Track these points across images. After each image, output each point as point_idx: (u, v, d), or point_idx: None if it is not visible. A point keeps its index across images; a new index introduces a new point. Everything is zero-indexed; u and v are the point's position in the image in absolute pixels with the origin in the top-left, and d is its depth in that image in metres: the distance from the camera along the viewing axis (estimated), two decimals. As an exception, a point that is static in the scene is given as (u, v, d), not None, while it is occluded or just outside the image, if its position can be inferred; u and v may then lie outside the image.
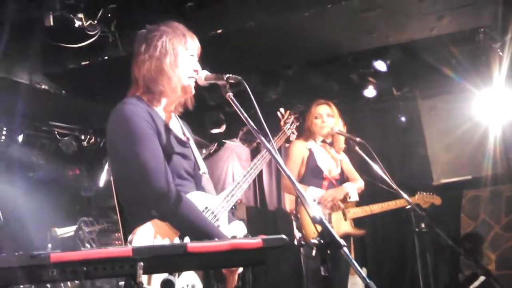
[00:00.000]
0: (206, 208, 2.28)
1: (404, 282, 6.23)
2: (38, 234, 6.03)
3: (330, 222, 4.04)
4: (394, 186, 3.70)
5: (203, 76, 2.31)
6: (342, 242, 1.62)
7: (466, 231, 6.39)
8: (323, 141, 4.38)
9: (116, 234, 6.42)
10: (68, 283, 5.27)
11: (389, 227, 6.42)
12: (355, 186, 4.31)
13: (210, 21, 4.26)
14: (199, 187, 2.38)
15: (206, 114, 6.46)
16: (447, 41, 5.00)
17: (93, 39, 4.21)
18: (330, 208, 4.08)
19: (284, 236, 1.56)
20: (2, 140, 6.08)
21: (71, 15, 3.99)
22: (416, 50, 5.22)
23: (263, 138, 1.97)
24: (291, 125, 3.44)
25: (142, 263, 1.48)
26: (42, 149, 6.70)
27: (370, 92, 6.04)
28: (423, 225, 3.80)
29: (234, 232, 2.41)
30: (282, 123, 3.46)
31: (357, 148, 4.02)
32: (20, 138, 6.20)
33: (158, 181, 2.08)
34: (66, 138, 6.61)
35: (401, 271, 6.30)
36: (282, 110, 3.51)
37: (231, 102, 2.10)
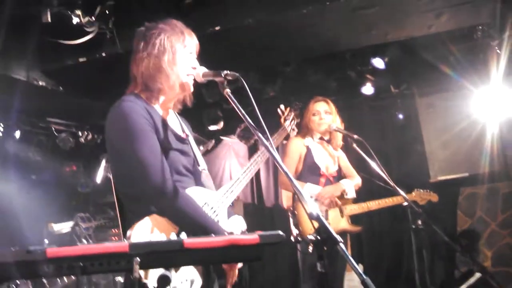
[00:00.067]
0: (206, 203, 2.29)
1: (400, 279, 6.25)
2: (34, 230, 6.03)
3: (327, 218, 4.05)
4: (391, 183, 3.71)
5: (201, 72, 2.32)
6: (339, 238, 1.63)
7: (462, 228, 6.40)
8: (321, 138, 4.38)
9: (113, 230, 6.43)
10: (65, 278, 5.27)
11: (386, 224, 6.43)
12: (352, 183, 4.32)
13: (209, 18, 4.26)
14: (199, 183, 2.38)
15: (204, 111, 6.46)
16: (445, 38, 5.01)
17: (90, 36, 4.20)
18: (327, 204, 4.08)
19: (280, 232, 1.57)
20: (-1, 136, 6.08)
21: (69, 12, 3.98)
22: (414, 47, 5.23)
23: (260, 135, 1.97)
24: (291, 121, 3.44)
25: (138, 259, 1.48)
26: (39, 145, 6.69)
27: (368, 89, 6.04)
28: (419, 222, 3.82)
29: (234, 227, 2.42)
30: (282, 119, 3.46)
31: (354, 145, 4.03)
32: (17, 134, 6.19)
33: (156, 177, 2.09)
34: (63, 134, 6.60)
35: (398, 267, 6.31)
36: (282, 106, 3.51)
37: (228, 99, 2.10)
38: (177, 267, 1.97)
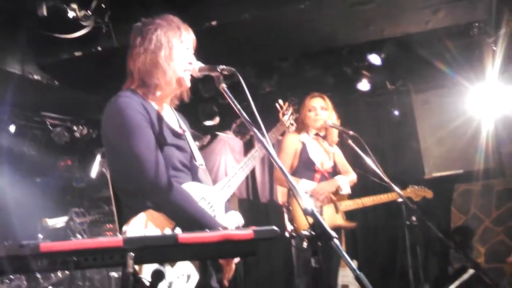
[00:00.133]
0: (203, 198, 2.29)
1: (394, 275, 6.27)
2: (29, 225, 6.02)
3: (321, 214, 4.06)
4: (386, 180, 3.72)
5: (196, 67, 2.31)
6: (333, 234, 1.63)
7: (456, 224, 6.42)
8: (316, 134, 4.38)
9: (108, 225, 6.42)
10: (59, 273, 5.27)
11: (380, 220, 6.45)
12: (347, 179, 4.32)
13: (205, 13, 4.24)
14: (196, 178, 2.38)
15: (200, 106, 6.45)
16: (441, 35, 5.01)
17: (86, 30, 4.18)
18: (322, 200, 4.08)
19: (275, 228, 1.56)
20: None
21: (65, 6, 3.96)
22: (411, 44, 5.23)
23: (256, 131, 1.97)
24: (289, 116, 3.44)
25: (132, 254, 1.47)
26: (34, 139, 6.67)
27: (364, 85, 6.04)
28: (414, 218, 3.83)
29: (231, 222, 2.42)
30: (280, 114, 3.45)
31: (350, 141, 4.03)
32: (12, 128, 6.17)
33: (152, 172, 2.09)
34: (58, 128, 6.58)
35: (392, 263, 6.33)
36: (280, 101, 3.51)
37: (224, 94, 2.10)
38: (171, 262, 1.97)
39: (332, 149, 4.43)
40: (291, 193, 3.96)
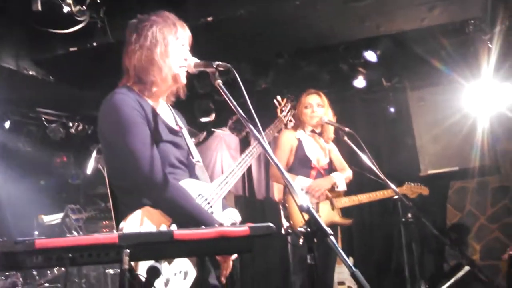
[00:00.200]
0: (200, 195, 2.29)
1: (390, 272, 6.29)
2: (24, 221, 6.00)
3: (317, 211, 4.06)
4: (382, 177, 3.72)
5: (192, 63, 2.31)
6: (329, 231, 1.63)
7: (452, 221, 6.45)
8: (312, 131, 4.38)
9: (104, 222, 6.41)
10: (55, 270, 5.26)
11: (376, 217, 6.46)
12: (343, 175, 4.32)
13: (201, 8, 4.23)
14: (193, 175, 2.39)
15: (196, 102, 6.43)
16: (437, 32, 5.02)
17: (81, 25, 4.16)
18: (318, 197, 4.08)
19: (271, 224, 1.57)
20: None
21: (60, 0, 3.93)
22: (406, 41, 5.23)
23: (252, 127, 1.96)
24: (287, 113, 3.43)
25: (128, 250, 1.47)
26: (29, 135, 6.64)
27: (360, 82, 6.04)
28: (409, 215, 3.83)
29: (228, 219, 2.42)
30: (278, 111, 3.45)
31: (346, 138, 4.03)
32: (7, 124, 6.14)
33: (148, 168, 2.09)
34: (54, 125, 6.55)
35: (388, 260, 6.35)
36: (279, 98, 3.50)
37: (220, 90, 2.09)
38: (167, 258, 1.97)
39: (328, 146, 4.43)
40: (287, 190, 3.96)
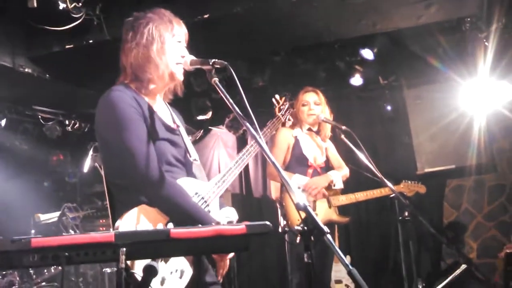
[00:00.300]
0: (196, 193, 2.28)
1: (387, 270, 6.30)
2: (21, 220, 5.99)
3: (314, 209, 4.06)
4: (379, 175, 3.72)
5: (188, 60, 2.30)
6: (326, 229, 1.62)
7: (448, 220, 6.46)
8: (309, 129, 4.38)
9: (101, 220, 6.40)
10: (52, 269, 5.25)
11: (373, 215, 6.46)
12: (340, 173, 4.32)
13: (197, 6, 4.22)
14: (190, 174, 2.38)
15: (192, 100, 6.42)
16: (433, 30, 5.02)
17: (77, 22, 4.14)
18: (315, 195, 4.08)
19: (267, 223, 1.56)
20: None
21: (55, -3, 3.93)
22: (403, 39, 5.23)
23: (249, 125, 1.96)
24: (285, 111, 3.42)
25: (124, 249, 1.47)
26: (25, 133, 6.63)
27: (356, 80, 6.03)
28: (406, 214, 3.83)
29: (225, 218, 2.41)
30: (277, 109, 3.44)
31: (342, 136, 4.03)
32: (3, 122, 6.12)
33: (145, 166, 2.08)
34: (50, 122, 6.53)
35: (385, 259, 6.36)
36: (277, 96, 3.49)
37: (216, 87, 2.09)
38: (163, 257, 1.96)
39: (325, 144, 4.43)
40: (284, 188, 3.96)
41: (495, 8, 4.45)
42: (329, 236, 1.61)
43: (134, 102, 2.18)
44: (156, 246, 1.52)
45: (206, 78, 2.16)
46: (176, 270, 2.05)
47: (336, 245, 1.64)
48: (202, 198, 2.29)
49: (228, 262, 2.30)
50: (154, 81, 2.30)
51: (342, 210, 4.27)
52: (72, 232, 5.79)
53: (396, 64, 6.02)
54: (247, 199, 7.27)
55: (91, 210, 6.53)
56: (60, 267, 1.49)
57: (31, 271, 5.18)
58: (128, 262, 1.83)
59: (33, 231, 5.77)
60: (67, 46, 4.60)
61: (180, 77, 2.36)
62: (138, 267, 1.86)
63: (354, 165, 4.45)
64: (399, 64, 5.99)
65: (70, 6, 3.98)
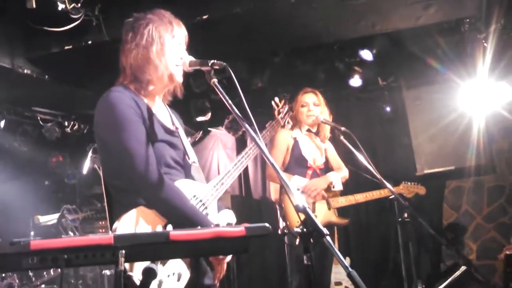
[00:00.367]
0: (194, 196, 2.27)
1: (387, 272, 6.29)
2: (20, 222, 5.99)
3: (313, 211, 4.05)
4: (378, 176, 3.72)
5: (187, 61, 2.30)
6: (325, 231, 1.62)
7: (448, 221, 6.46)
8: (309, 130, 4.38)
9: (100, 222, 6.40)
10: (51, 271, 5.24)
11: (373, 216, 6.46)
12: (339, 175, 4.32)
13: (196, 7, 4.22)
14: (189, 176, 2.37)
15: (191, 101, 6.42)
16: (432, 31, 5.02)
17: (76, 23, 4.14)
18: (314, 197, 4.08)
19: (267, 225, 1.56)
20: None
21: (54, -2, 3.92)
22: (402, 39, 5.23)
23: (248, 127, 1.95)
24: (285, 114, 3.42)
25: (124, 251, 1.46)
26: (24, 135, 6.61)
27: (355, 81, 6.03)
28: (406, 215, 3.83)
29: (223, 221, 2.40)
30: (276, 112, 3.43)
31: (342, 137, 4.03)
32: (2, 123, 6.10)
33: (143, 167, 2.08)
34: (49, 124, 6.52)
35: (384, 260, 6.35)
36: (276, 99, 3.49)
37: (215, 88, 2.08)
38: (162, 259, 1.96)
39: (324, 145, 4.43)
40: (283, 189, 3.95)
41: (494, 9, 4.45)
42: (328, 238, 1.61)
43: (133, 103, 2.18)
44: (156, 248, 1.52)
45: (205, 79, 2.16)
46: (174, 273, 2.05)
47: (335, 247, 1.64)
48: (200, 200, 2.29)
49: (225, 266, 2.29)
50: (153, 83, 2.30)
51: (342, 211, 4.26)
52: (72, 234, 5.79)
53: (395, 65, 6.02)
54: (247, 200, 7.27)
55: (91, 212, 6.52)
56: (59, 269, 1.49)
57: (30, 274, 5.17)
58: (127, 264, 1.82)
59: (32, 233, 5.77)
60: (66, 47, 4.59)
61: (180, 79, 2.36)
62: (137, 270, 1.86)
63: (354, 166, 4.45)
64: (398, 65, 5.99)
65: (69, 7, 3.97)
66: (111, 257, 1.48)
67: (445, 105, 5.94)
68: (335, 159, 4.49)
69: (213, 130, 7.47)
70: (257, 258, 6.82)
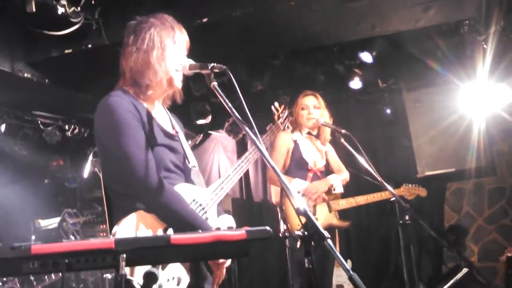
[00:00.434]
0: (194, 200, 2.27)
1: (388, 274, 6.28)
2: (21, 226, 5.98)
3: (314, 214, 4.05)
4: (379, 178, 3.71)
5: (187, 65, 2.30)
6: (326, 234, 1.61)
7: (449, 223, 6.46)
8: (309, 133, 4.37)
9: (101, 226, 6.39)
10: (52, 275, 5.24)
11: (374, 219, 6.45)
12: (339, 177, 4.31)
13: (196, 10, 4.22)
14: (189, 180, 2.36)
15: (192, 104, 6.42)
16: (432, 33, 5.02)
17: (76, 26, 4.14)
18: (315, 200, 4.07)
19: (268, 228, 1.55)
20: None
21: (54, 2, 3.92)
22: (402, 41, 5.23)
23: (248, 129, 1.95)
24: (285, 119, 3.42)
25: (124, 255, 1.46)
26: (25, 139, 6.61)
27: (355, 83, 6.03)
28: (407, 217, 3.82)
29: (223, 226, 2.39)
30: (276, 117, 3.43)
31: (342, 140, 4.02)
32: (3, 127, 6.11)
33: (143, 172, 2.07)
34: (50, 128, 6.52)
35: (386, 263, 6.34)
36: (276, 104, 3.49)
37: (215, 92, 2.08)
38: (163, 263, 1.95)
39: (324, 147, 4.42)
40: (284, 192, 3.94)
41: (494, 11, 4.45)
42: (329, 241, 1.61)
43: (132, 108, 2.17)
44: (156, 252, 1.52)
45: (205, 82, 2.16)
46: (173, 277, 2.04)
47: (336, 250, 1.63)
48: (200, 205, 2.28)
49: (224, 270, 2.28)
50: (152, 87, 2.29)
51: (343, 214, 4.26)
52: (73, 238, 5.78)
53: (395, 67, 6.02)
54: (248, 203, 7.27)
55: (91, 216, 6.52)
56: (60, 274, 1.49)
57: (31, 278, 5.16)
58: (128, 269, 1.82)
59: (33, 237, 5.76)
60: (66, 51, 4.59)
61: (179, 84, 2.35)
62: (137, 274, 1.85)
63: (354, 169, 4.45)
64: (398, 67, 5.99)
65: (69, 11, 3.97)
66: (112, 261, 1.47)
67: (445, 107, 5.94)
68: (336, 161, 4.49)
69: (213, 133, 7.47)
70: (258, 261, 6.81)
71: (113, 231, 2.00)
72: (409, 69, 5.95)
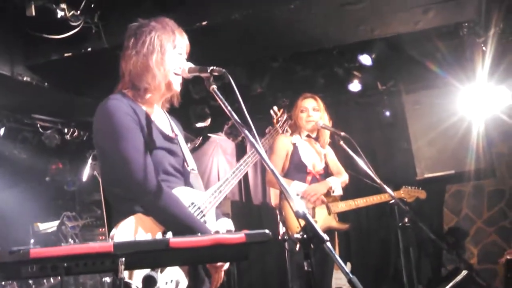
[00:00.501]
0: (193, 203, 2.26)
1: (388, 277, 6.27)
2: (20, 229, 5.97)
3: (313, 216, 4.04)
4: (378, 181, 3.71)
5: (186, 68, 2.29)
6: (325, 236, 1.61)
7: (449, 225, 6.45)
8: (308, 136, 4.37)
9: (100, 229, 6.38)
10: (51, 279, 5.23)
11: (373, 221, 6.45)
12: (339, 180, 4.31)
13: (195, 13, 4.22)
14: (187, 183, 2.36)
15: (191, 107, 6.42)
16: (431, 35, 5.02)
17: (75, 30, 4.14)
18: (314, 202, 4.07)
19: (267, 231, 1.55)
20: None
21: (54, 5, 3.92)
22: (401, 44, 5.24)
23: (247, 133, 1.95)
24: (283, 123, 3.41)
25: (123, 259, 1.46)
26: (24, 142, 6.61)
27: (355, 86, 6.04)
28: (406, 220, 3.82)
29: (221, 229, 2.39)
30: (275, 121, 3.43)
31: (341, 142, 4.02)
32: (2, 131, 6.10)
33: (142, 175, 2.07)
34: (49, 131, 6.51)
35: (385, 265, 6.34)
36: (275, 108, 3.49)
37: (214, 95, 2.08)
38: (162, 267, 1.95)
39: (323, 150, 4.42)
40: (283, 195, 3.94)
41: (493, 13, 4.46)
42: (328, 244, 1.60)
43: (131, 111, 2.18)
44: (155, 255, 1.51)
45: (204, 85, 2.16)
46: (172, 281, 2.04)
47: (336, 253, 1.63)
48: (199, 208, 2.28)
49: (222, 274, 2.28)
50: (150, 91, 2.30)
51: (342, 216, 4.25)
52: (72, 241, 5.77)
53: (395, 70, 6.02)
54: (247, 206, 7.26)
55: (91, 219, 6.51)
56: (59, 277, 1.48)
57: (30, 282, 5.15)
58: (127, 272, 1.82)
59: (32, 240, 5.75)
60: (65, 54, 4.59)
61: (177, 88, 2.36)
62: (136, 277, 1.85)
63: (354, 171, 4.45)
64: (397, 69, 6.00)
65: (68, 14, 3.97)
66: (111, 265, 1.47)
67: (445, 109, 5.94)
68: (335, 164, 4.49)
69: (212, 136, 7.47)
70: (258, 264, 6.80)
71: (111, 233, 2.00)
72: (409, 71, 5.95)
